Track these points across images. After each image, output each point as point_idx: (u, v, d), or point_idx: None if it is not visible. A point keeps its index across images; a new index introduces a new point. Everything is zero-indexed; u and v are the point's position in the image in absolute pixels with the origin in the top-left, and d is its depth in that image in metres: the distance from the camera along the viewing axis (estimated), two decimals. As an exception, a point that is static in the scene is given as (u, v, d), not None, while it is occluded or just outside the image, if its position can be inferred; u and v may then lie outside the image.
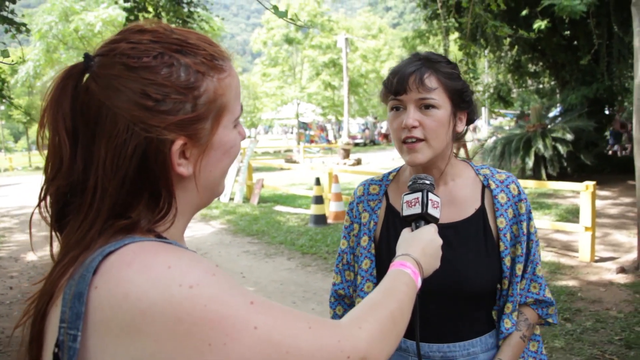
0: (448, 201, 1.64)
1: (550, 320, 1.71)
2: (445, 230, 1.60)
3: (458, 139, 1.66)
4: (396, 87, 1.53)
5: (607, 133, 16.51)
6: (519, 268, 1.61)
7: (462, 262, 1.58)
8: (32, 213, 0.89)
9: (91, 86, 0.83)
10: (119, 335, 0.74)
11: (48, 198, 0.87)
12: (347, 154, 24.69)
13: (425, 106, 1.51)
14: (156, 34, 0.86)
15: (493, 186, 1.65)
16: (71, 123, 0.84)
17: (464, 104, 1.58)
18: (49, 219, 0.88)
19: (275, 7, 3.73)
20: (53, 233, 0.89)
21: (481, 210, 1.64)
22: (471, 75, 7.16)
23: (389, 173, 1.79)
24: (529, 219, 1.65)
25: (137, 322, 0.73)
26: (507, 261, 1.60)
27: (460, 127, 1.61)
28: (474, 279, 1.57)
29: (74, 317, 0.75)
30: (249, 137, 39.96)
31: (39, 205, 0.87)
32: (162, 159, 0.83)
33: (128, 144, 0.81)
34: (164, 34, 0.87)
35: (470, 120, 1.64)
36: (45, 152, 0.86)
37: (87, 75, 0.84)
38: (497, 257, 1.61)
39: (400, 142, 1.55)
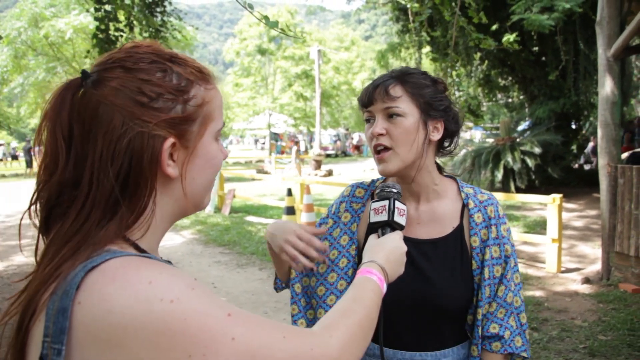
0: (429, 217, 1.67)
1: (523, 354, 1.64)
2: (424, 246, 1.64)
3: (448, 153, 1.70)
4: (364, 99, 1.59)
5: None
6: (498, 290, 1.61)
7: (439, 277, 1.61)
8: (22, 217, 0.93)
9: (89, 91, 0.88)
10: (102, 349, 0.76)
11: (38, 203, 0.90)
12: (318, 165, 24.68)
13: (390, 115, 1.55)
14: (150, 48, 0.94)
15: (471, 205, 1.66)
16: (67, 131, 0.88)
17: (435, 113, 1.59)
18: (37, 222, 0.91)
19: (265, 17, 3.73)
20: (40, 236, 0.91)
21: (459, 229, 1.66)
22: (455, 87, 7.30)
23: (377, 179, 1.82)
24: (508, 242, 1.64)
25: (120, 336, 0.75)
26: (477, 280, 1.62)
27: (436, 136, 1.61)
28: (448, 295, 1.60)
29: (58, 332, 0.77)
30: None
31: (29, 208, 0.91)
32: (152, 155, 0.88)
33: (123, 137, 0.86)
34: (158, 48, 0.95)
35: (449, 131, 1.64)
36: (40, 158, 0.91)
37: (85, 86, 0.89)
38: (471, 275, 1.63)
39: (373, 152, 1.60)
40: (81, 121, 0.88)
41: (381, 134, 1.55)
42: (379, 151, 1.57)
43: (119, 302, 0.76)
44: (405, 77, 1.58)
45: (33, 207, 0.91)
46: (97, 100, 0.87)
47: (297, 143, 22.35)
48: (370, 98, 1.57)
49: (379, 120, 1.56)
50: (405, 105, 1.55)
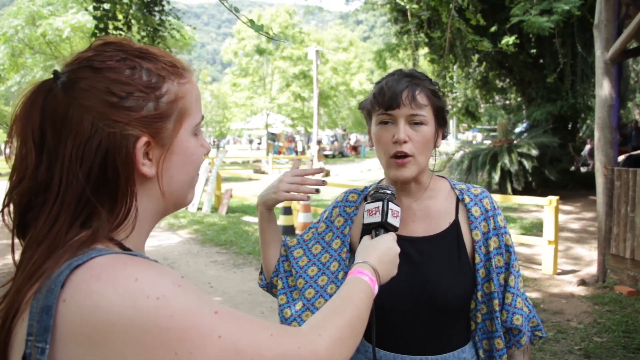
0: (424, 215, 1.68)
1: (538, 333, 1.71)
2: (420, 243, 1.64)
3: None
4: (388, 102, 1.55)
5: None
6: (508, 279, 1.63)
7: (437, 275, 1.60)
8: None
9: (59, 93, 0.86)
10: (88, 347, 0.75)
11: (11, 205, 0.89)
12: (316, 165, 24.67)
13: (415, 122, 1.55)
14: (119, 45, 0.92)
15: (467, 200, 1.67)
16: (39, 134, 0.87)
17: (443, 121, 1.64)
18: (11, 225, 0.90)
19: (251, 21, 3.75)
20: (15, 239, 0.90)
21: (455, 224, 1.65)
22: (448, 89, 7.28)
23: (371, 185, 1.83)
24: (507, 232, 1.66)
25: (106, 333, 0.74)
26: (481, 273, 1.61)
27: (439, 142, 1.66)
28: (447, 292, 1.59)
29: (42, 330, 0.76)
30: (218, 146, 39.69)
31: (1, 211, 0.89)
32: (126, 155, 0.87)
33: (92, 139, 0.84)
34: (127, 44, 0.92)
35: (444, 137, 1.69)
36: (12, 161, 0.89)
37: (55, 88, 0.87)
38: (471, 270, 1.62)
39: (389, 156, 1.57)
40: (53, 125, 0.86)
41: (406, 141, 1.54)
42: (400, 157, 1.56)
43: (105, 299, 0.75)
44: (424, 83, 1.58)
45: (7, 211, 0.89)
46: (67, 103, 0.85)
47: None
48: (397, 102, 1.54)
49: (401, 126, 1.54)
50: (428, 114, 1.56)
